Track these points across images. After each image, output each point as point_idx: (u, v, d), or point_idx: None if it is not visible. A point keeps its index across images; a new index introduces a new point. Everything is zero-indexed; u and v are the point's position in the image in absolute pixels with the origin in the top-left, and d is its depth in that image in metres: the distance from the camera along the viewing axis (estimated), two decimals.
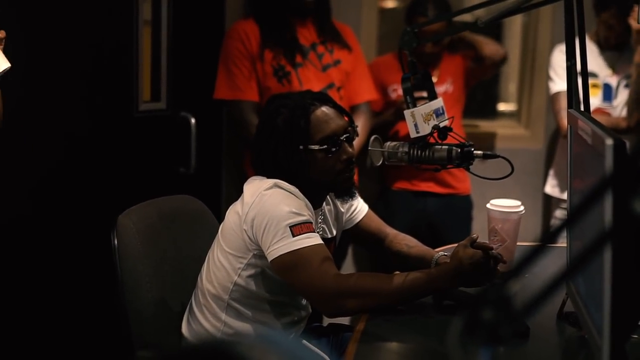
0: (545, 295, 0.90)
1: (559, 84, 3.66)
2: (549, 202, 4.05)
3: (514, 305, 0.85)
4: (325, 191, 2.20)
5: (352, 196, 2.21)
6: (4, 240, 2.75)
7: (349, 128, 2.15)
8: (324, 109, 2.14)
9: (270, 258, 2.00)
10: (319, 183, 2.14)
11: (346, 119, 2.17)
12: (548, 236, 0.90)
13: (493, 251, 2.07)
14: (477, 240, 2.07)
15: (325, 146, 2.10)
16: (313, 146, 2.10)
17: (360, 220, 2.37)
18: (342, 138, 2.12)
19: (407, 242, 2.36)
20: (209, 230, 2.40)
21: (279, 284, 2.08)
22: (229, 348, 0.69)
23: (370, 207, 2.45)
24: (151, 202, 2.38)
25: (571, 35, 1.99)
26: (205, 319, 2.16)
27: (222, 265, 2.12)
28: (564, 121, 2.27)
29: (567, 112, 1.95)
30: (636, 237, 1.09)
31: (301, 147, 2.11)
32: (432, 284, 1.97)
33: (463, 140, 2.08)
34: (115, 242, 2.21)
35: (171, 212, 2.39)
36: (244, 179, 2.20)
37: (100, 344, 3.00)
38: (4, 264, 2.76)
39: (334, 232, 2.29)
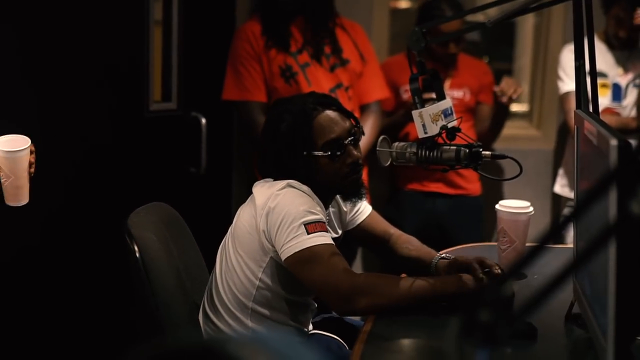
0: (549, 291, 0.90)
1: (568, 83, 3.65)
2: (559, 202, 4.03)
3: (512, 306, 0.84)
4: (334, 194, 2.20)
5: (360, 197, 2.21)
6: (20, 240, 2.77)
7: (354, 130, 2.15)
8: (328, 113, 2.14)
9: (285, 255, 1.99)
10: (326, 187, 2.14)
11: (352, 121, 2.17)
12: (545, 236, 0.90)
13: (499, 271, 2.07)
14: (488, 262, 2.08)
15: (329, 152, 2.11)
16: (317, 152, 2.11)
17: (362, 221, 2.36)
18: (346, 142, 2.12)
19: (408, 244, 2.35)
20: (186, 236, 2.39)
21: (296, 281, 2.07)
22: (219, 346, 0.69)
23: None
24: (149, 208, 2.32)
25: (580, 34, 1.98)
26: (228, 327, 2.14)
27: (242, 271, 2.11)
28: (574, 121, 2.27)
29: (574, 112, 1.94)
30: None
31: (305, 153, 2.11)
32: (436, 292, 1.99)
33: (472, 141, 2.08)
34: (138, 255, 2.13)
35: (167, 219, 2.35)
36: (254, 180, 2.20)
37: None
38: (18, 267, 2.77)
39: (339, 232, 2.30)
